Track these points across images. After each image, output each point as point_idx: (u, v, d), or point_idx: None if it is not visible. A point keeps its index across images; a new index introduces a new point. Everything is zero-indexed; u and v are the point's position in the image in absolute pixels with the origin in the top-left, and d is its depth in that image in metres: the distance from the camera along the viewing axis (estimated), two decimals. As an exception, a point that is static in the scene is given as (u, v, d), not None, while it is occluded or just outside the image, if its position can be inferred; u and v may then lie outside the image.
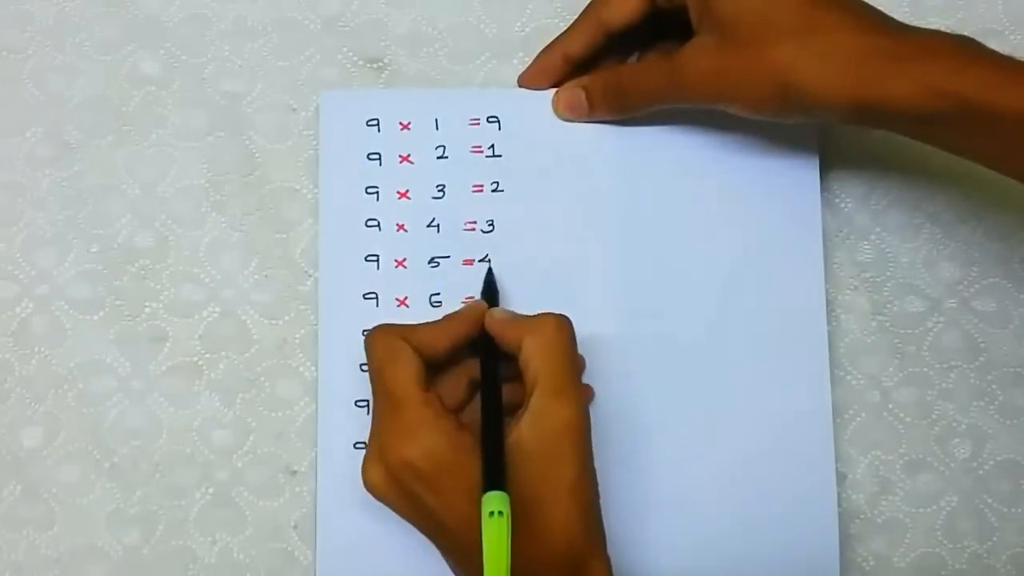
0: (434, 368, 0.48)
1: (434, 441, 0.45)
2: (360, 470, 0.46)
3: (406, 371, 0.46)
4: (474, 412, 0.48)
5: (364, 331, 0.52)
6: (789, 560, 0.52)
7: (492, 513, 0.41)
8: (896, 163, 0.56)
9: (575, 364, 0.47)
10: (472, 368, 0.49)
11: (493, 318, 0.49)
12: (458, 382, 0.49)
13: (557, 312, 0.48)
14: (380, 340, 0.47)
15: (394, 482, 0.45)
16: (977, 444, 0.55)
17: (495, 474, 0.43)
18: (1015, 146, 0.46)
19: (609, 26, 0.53)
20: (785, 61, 0.47)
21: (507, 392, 0.47)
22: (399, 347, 0.47)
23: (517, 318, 0.49)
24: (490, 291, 0.52)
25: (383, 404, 0.46)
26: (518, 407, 0.46)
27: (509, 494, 0.42)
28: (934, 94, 0.45)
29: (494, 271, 0.53)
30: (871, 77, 0.46)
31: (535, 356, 0.46)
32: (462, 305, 0.52)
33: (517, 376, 0.47)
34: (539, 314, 0.48)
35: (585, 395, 0.50)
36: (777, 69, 0.47)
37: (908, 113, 0.46)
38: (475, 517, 0.42)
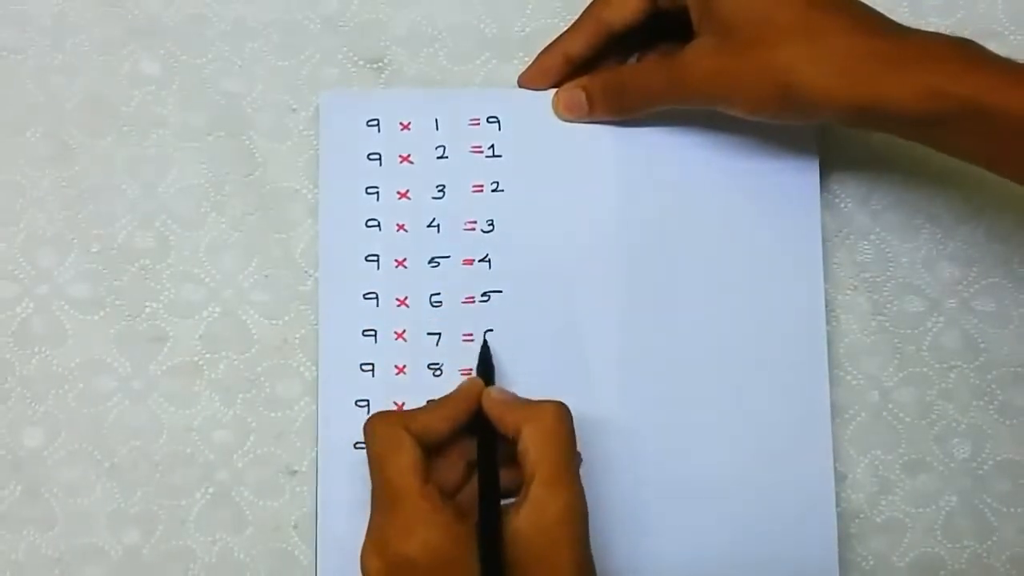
0: (433, 450, 0.48)
1: (433, 536, 0.45)
2: (359, 558, 0.46)
3: (406, 462, 0.46)
4: (472, 493, 0.48)
5: (364, 331, 0.53)
6: (789, 560, 0.52)
7: None
8: (896, 163, 0.56)
9: (573, 452, 0.47)
10: (469, 449, 0.49)
11: (491, 398, 0.49)
12: (456, 464, 0.49)
13: (555, 400, 0.47)
14: (380, 429, 0.47)
15: (392, 574, 0.45)
16: (977, 444, 0.55)
17: (494, 571, 0.44)
18: (1014, 148, 0.46)
19: (610, 26, 0.53)
20: (785, 63, 0.47)
21: (504, 473, 0.47)
22: (399, 437, 0.46)
23: (515, 402, 0.49)
24: (486, 368, 0.51)
25: (382, 495, 0.46)
26: (515, 488, 0.46)
27: None
28: (933, 97, 0.45)
29: (490, 345, 0.52)
30: (871, 79, 0.46)
31: (534, 446, 0.46)
32: (460, 378, 0.52)
33: (514, 456, 0.47)
34: (538, 401, 0.48)
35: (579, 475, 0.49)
36: (777, 71, 0.47)
37: (907, 116, 0.46)
38: None
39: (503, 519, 0.45)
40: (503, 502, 0.46)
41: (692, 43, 0.50)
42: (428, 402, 0.51)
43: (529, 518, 0.45)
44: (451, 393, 0.50)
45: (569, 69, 0.54)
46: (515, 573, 0.44)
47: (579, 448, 0.48)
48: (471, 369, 0.53)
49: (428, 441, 0.47)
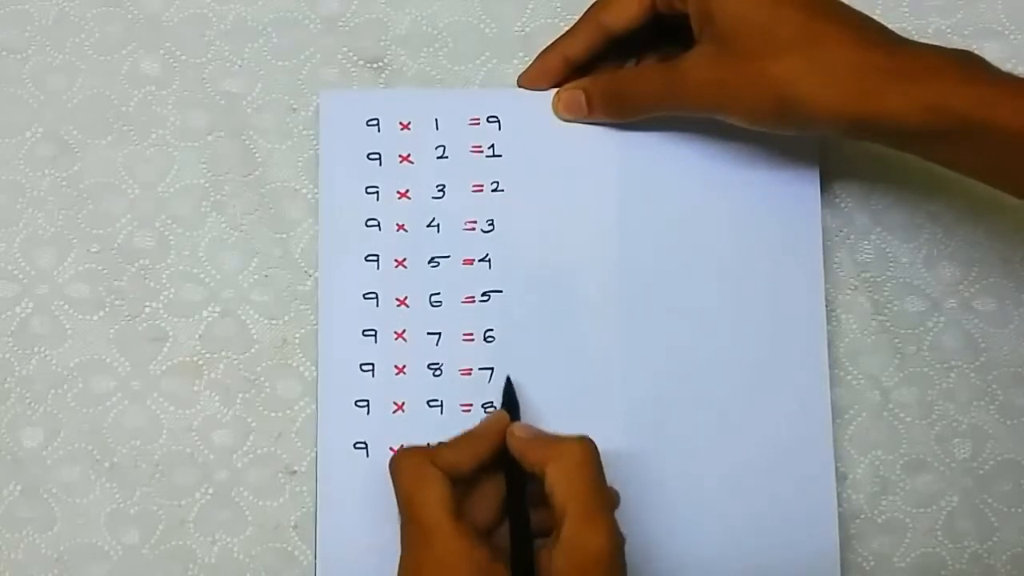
0: (463, 485, 0.47)
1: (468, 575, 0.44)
2: None
3: (436, 497, 0.45)
4: (506, 533, 0.47)
5: (364, 331, 0.53)
6: (789, 560, 0.52)
7: None
8: (896, 163, 0.56)
9: (603, 489, 0.46)
10: (501, 487, 0.48)
11: (515, 436, 0.48)
12: (488, 503, 0.48)
13: (580, 436, 0.47)
14: (407, 464, 0.47)
15: None
16: (977, 444, 0.55)
17: None
18: (1013, 162, 0.46)
19: (609, 29, 0.53)
20: (784, 75, 0.47)
21: (539, 512, 0.47)
22: (428, 472, 0.46)
23: (539, 438, 0.48)
24: (511, 404, 0.51)
25: (414, 533, 0.45)
26: (550, 527, 0.45)
27: None
28: (932, 111, 0.45)
29: (513, 382, 0.52)
30: (870, 93, 0.46)
31: (561, 484, 0.45)
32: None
33: (545, 496, 0.46)
34: (562, 438, 0.47)
35: (613, 509, 0.48)
36: (776, 82, 0.47)
37: (906, 129, 0.46)
38: None
39: (537, 559, 0.45)
40: (538, 541, 0.46)
41: (691, 51, 0.50)
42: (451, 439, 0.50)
43: (563, 559, 0.44)
44: (475, 428, 0.50)
45: (568, 71, 0.54)
46: None
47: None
48: (470, 370, 0.53)
49: (455, 477, 0.46)
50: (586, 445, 0.46)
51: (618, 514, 0.46)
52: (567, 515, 0.45)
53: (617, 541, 0.45)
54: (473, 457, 0.48)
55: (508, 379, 0.52)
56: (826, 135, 0.54)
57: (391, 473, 0.47)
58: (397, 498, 0.46)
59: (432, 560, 0.45)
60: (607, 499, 0.46)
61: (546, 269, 0.54)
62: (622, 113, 0.53)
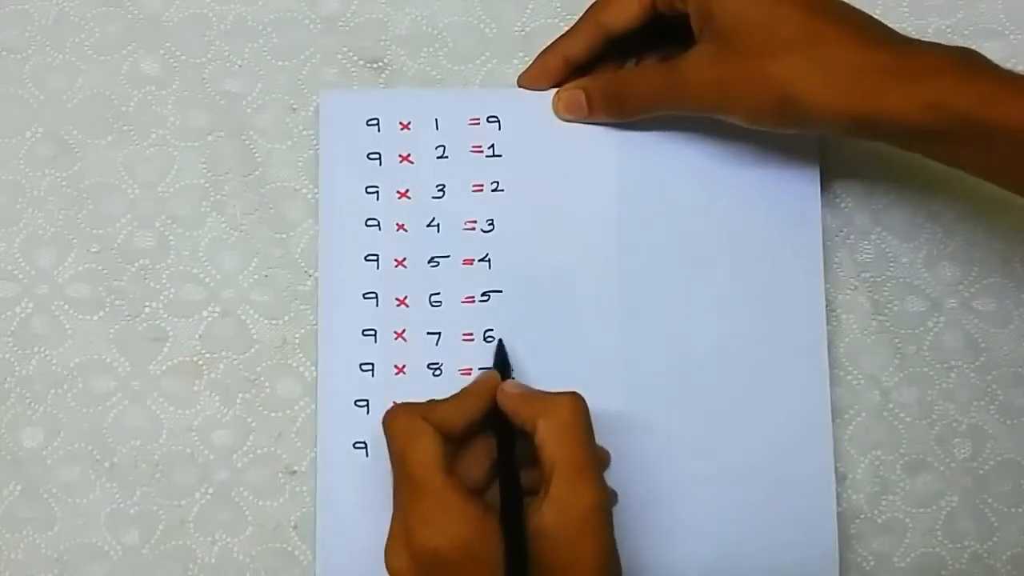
0: (454, 444, 0.47)
1: (460, 529, 0.44)
2: (384, 553, 0.46)
3: (428, 453, 0.46)
4: (497, 496, 0.47)
5: (364, 331, 0.53)
6: (789, 560, 0.52)
7: None
8: (896, 163, 0.56)
9: (592, 445, 0.46)
10: (492, 448, 0.49)
11: (505, 393, 0.49)
12: (479, 463, 0.48)
13: (570, 391, 0.47)
14: (400, 421, 0.47)
15: (419, 568, 0.45)
16: (977, 444, 0.55)
17: (519, 561, 0.43)
18: (1015, 161, 0.45)
19: (609, 29, 0.53)
20: (785, 74, 0.47)
21: (529, 472, 0.47)
22: (420, 428, 0.46)
23: (530, 395, 0.49)
24: (502, 365, 0.51)
25: (406, 488, 0.46)
26: (539, 486, 0.46)
27: None
28: (933, 109, 0.45)
29: (505, 344, 0.52)
30: (871, 92, 0.46)
31: (551, 440, 0.46)
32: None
33: (535, 452, 0.46)
34: (552, 393, 0.48)
35: (603, 467, 0.49)
36: (777, 82, 0.47)
37: (907, 128, 0.46)
38: None
39: (526, 515, 0.45)
40: (528, 498, 0.46)
41: (692, 50, 0.50)
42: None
43: (551, 514, 0.45)
44: (468, 386, 0.50)
45: (568, 71, 0.54)
46: (540, 569, 0.43)
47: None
48: (470, 369, 0.53)
49: (447, 433, 0.47)
50: (576, 401, 0.47)
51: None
52: (556, 470, 0.45)
53: (605, 496, 0.45)
54: (464, 414, 0.48)
55: (500, 341, 0.52)
56: (827, 134, 0.54)
57: (384, 429, 0.47)
58: (390, 454, 0.47)
59: (423, 513, 0.45)
60: (597, 455, 0.47)
61: (546, 269, 0.54)
62: (622, 113, 0.53)
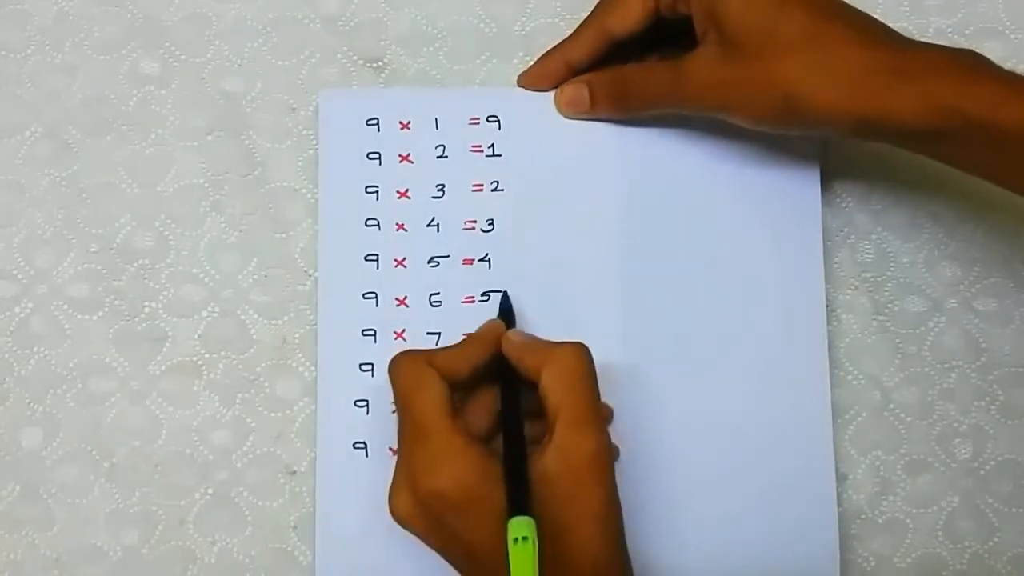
0: (459, 390, 0.47)
1: (464, 470, 0.44)
2: (387, 498, 0.46)
3: (433, 398, 0.46)
4: (501, 445, 0.47)
5: (364, 330, 0.53)
6: (789, 560, 0.52)
7: (517, 539, 0.41)
8: (897, 163, 0.56)
9: (596, 394, 0.46)
10: (496, 399, 0.49)
11: (511, 341, 0.49)
12: (484, 412, 0.48)
13: (575, 341, 0.47)
14: (405, 366, 0.47)
15: (423, 511, 0.45)
16: (978, 444, 0.55)
17: (520, 500, 0.43)
18: (1017, 162, 0.46)
19: (613, 34, 0.53)
20: (789, 75, 0.47)
21: (532, 424, 0.47)
22: (425, 373, 0.46)
23: (535, 344, 0.49)
24: (507, 314, 0.51)
25: (411, 432, 0.46)
26: (542, 434, 0.46)
27: (535, 520, 0.42)
28: (937, 111, 0.45)
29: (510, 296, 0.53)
30: (874, 93, 0.46)
31: (555, 388, 0.46)
32: (482, 324, 0.51)
33: (540, 404, 0.46)
34: (557, 343, 0.47)
35: (605, 420, 0.49)
36: (781, 83, 0.47)
37: (911, 129, 0.46)
38: (503, 544, 0.42)
39: (530, 462, 0.45)
40: (531, 447, 0.46)
41: (695, 52, 0.50)
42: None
43: (555, 459, 0.44)
44: (473, 333, 0.50)
45: (570, 75, 0.54)
46: (543, 513, 0.43)
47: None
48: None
49: (452, 379, 0.47)
50: (580, 350, 0.46)
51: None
52: (560, 417, 0.45)
53: (608, 444, 0.45)
54: (469, 360, 0.48)
55: (505, 292, 0.52)
56: (830, 135, 0.54)
57: (390, 375, 0.47)
58: (395, 399, 0.47)
59: (429, 456, 0.45)
60: (600, 405, 0.47)
61: (546, 269, 0.54)
62: (626, 108, 0.53)
